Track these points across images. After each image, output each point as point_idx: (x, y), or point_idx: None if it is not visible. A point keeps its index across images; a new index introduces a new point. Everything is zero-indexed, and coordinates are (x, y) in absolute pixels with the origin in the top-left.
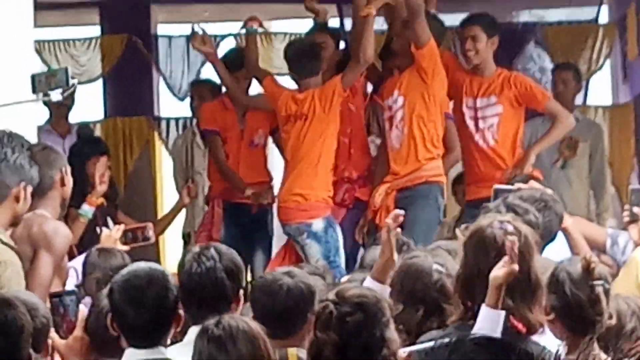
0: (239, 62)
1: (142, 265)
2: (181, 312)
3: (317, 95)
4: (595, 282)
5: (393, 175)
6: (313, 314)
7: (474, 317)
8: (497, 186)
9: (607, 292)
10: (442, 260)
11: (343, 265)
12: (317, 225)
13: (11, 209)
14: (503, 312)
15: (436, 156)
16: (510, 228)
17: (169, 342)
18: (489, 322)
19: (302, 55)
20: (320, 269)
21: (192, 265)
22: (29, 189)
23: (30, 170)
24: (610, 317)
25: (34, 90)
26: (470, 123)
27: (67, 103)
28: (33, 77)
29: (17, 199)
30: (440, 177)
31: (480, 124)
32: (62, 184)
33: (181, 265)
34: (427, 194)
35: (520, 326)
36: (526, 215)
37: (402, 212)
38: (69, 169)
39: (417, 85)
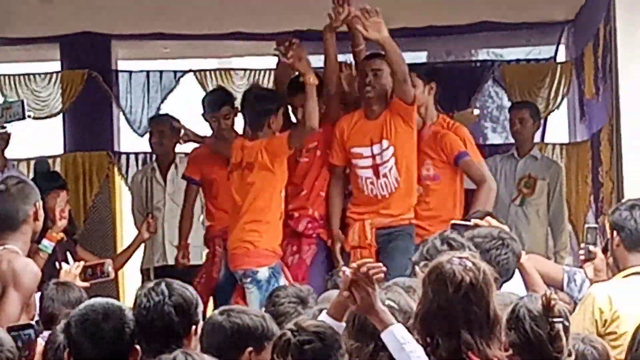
0: (219, 102)
1: (98, 300)
2: (137, 346)
3: (264, 146)
4: (555, 320)
5: (379, 216)
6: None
7: (433, 352)
8: (454, 222)
9: (566, 330)
10: (396, 297)
11: None
12: (263, 273)
13: (32, 228)
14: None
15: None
16: (469, 264)
17: None
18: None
19: (254, 107)
20: (305, 291)
21: (142, 300)
22: (41, 204)
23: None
24: (570, 354)
25: None
26: None
27: (5, 138)
28: None
29: (35, 218)
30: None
31: None
32: (36, 218)
33: (134, 299)
34: (409, 232)
35: None
36: (462, 250)
37: (384, 268)
38: (41, 203)
39: (405, 134)
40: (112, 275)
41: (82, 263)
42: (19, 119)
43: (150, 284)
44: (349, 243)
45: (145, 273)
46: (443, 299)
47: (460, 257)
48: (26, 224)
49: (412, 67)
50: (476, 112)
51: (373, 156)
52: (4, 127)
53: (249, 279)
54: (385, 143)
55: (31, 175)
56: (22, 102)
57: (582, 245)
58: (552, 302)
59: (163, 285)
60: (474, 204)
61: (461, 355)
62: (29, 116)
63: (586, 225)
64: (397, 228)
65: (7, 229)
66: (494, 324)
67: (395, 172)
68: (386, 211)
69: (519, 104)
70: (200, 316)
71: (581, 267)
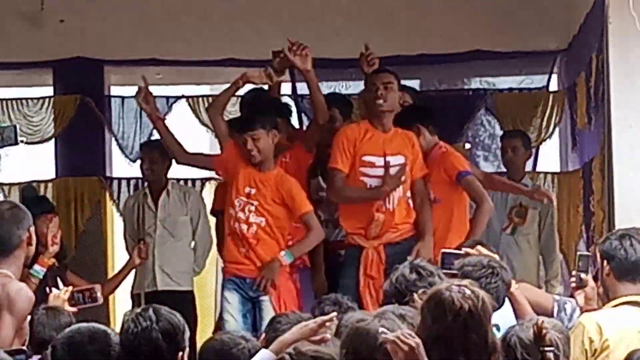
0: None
1: (84, 324)
2: None
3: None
4: (547, 349)
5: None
6: None
7: None
8: (444, 250)
9: (557, 358)
10: (390, 324)
11: None
12: None
13: (25, 252)
14: None
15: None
16: (468, 292)
17: None
18: None
19: None
20: (305, 318)
21: (130, 326)
22: (34, 229)
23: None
24: None
25: None
26: None
27: None
28: None
29: (29, 243)
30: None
31: None
32: (29, 243)
33: (121, 324)
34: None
35: None
36: (430, 277)
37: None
38: (34, 228)
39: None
40: (101, 300)
41: (70, 288)
42: (11, 144)
43: (138, 310)
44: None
45: (135, 298)
46: (442, 326)
47: (459, 285)
48: (20, 249)
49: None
50: (467, 146)
51: (386, 167)
52: None
53: None
54: (401, 158)
55: (18, 200)
56: (15, 127)
57: (574, 272)
58: (544, 331)
59: (151, 311)
60: (475, 224)
61: None
62: (21, 141)
63: (578, 253)
64: (404, 243)
65: (1, 253)
66: (492, 352)
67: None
68: (393, 225)
69: (510, 133)
70: (187, 342)
71: (572, 295)
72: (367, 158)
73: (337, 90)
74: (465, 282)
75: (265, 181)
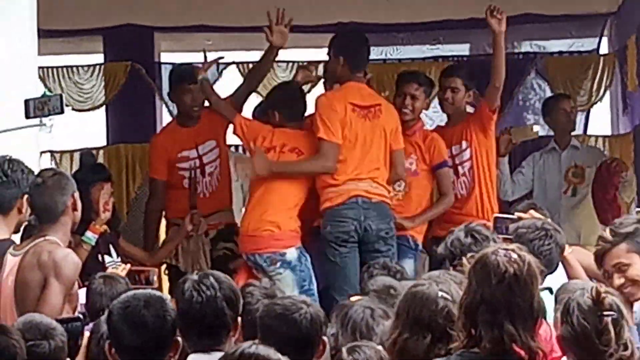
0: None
1: (140, 290)
2: (179, 338)
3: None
4: (606, 313)
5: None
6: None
7: (477, 344)
8: (497, 215)
9: (617, 323)
10: (447, 287)
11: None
12: (291, 254)
13: (16, 218)
14: None
15: None
16: (514, 256)
17: None
18: None
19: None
20: (268, 288)
21: (193, 294)
22: (26, 199)
23: (28, 183)
24: (626, 348)
25: (27, 115)
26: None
27: None
28: (27, 102)
29: (19, 210)
30: None
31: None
32: (74, 208)
33: (181, 293)
34: None
35: (522, 353)
36: (485, 242)
37: None
38: (78, 194)
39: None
40: (156, 284)
41: (128, 266)
42: (57, 113)
43: (195, 277)
44: None
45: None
46: (487, 290)
47: (506, 249)
48: (65, 215)
49: (456, 59)
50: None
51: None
52: (42, 121)
53: (277, 264)
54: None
55: (76, 167)
56: (61, 96)
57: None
58: (602, 295)
59: (212, 279)
60: (433, 207)
61: (504, 346)
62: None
63: (636, 209)
64: None
65: (47, 220)
66: (538, 316)
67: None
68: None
69: (558, 96)
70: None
71: None
72: None
73: (387, 55)
74: (513, 246)
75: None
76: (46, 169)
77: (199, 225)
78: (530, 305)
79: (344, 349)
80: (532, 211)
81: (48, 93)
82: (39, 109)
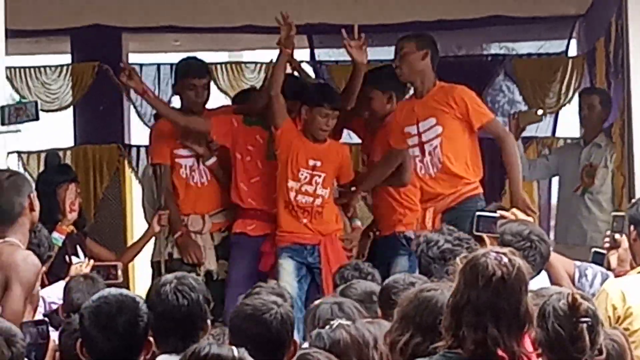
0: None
1: (112, 291)
2: (151, 339)
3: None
4: (582, 320)
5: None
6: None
7: (460, 345)
8: (479, 213)
9: (592, 330)
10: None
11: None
12: None
13: (29, 219)
14: None
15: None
16: (505, 260)
17: None
18: None
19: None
20: (277, 288)
21: (177, 297)
22: (34, 194)
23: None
24: (601, 352)
25: (3, 122)
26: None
27: None
28: (2, 108)
29: (31, 209)
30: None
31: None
32: (31, 209)
33: (159, 295)
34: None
35: (506, 357)
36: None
37: None
38: (35, 194)
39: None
40: (121, 279)
41: (91, 262)
42: (32, 120)
43: (173, 279)
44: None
45: (155, 266)
46: (473, 291)
47: (497, 252)
48: (23, 216)
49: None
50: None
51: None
52: (17, 127)
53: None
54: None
55: (42, 168)
56: (36, 103)
57: (608, 233)
58: (578, 301)
59: (191, 281)
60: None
61: (488, 349)
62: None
63: (612, 214)
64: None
65: (5, 222)
66: (524, 321)
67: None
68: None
69: (588, 90)
70: None
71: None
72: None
73: None
74: (506, 250)
75: (328, 153)
76: (2, 170)
77: (166, 225)
78: (516, 309)
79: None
80: (514, 210)
81: (23, 100)
82: (14, 115)
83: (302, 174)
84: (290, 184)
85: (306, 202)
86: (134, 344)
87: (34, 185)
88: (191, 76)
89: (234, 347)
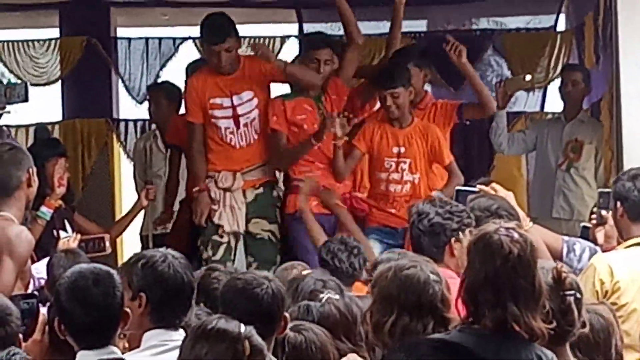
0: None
1: (85, 265)
2: (128, 310)
3: None
4: (567, 293)
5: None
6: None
7: (479, 322)
8: (458, 188)
9: (578, 302)
10: (431, 269)
11: None
12: None
13: (26, 194)
14: None
15: None
16: (516, 236)
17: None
18: None
19: None
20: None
21: (179, 270)
22: (34, 170)
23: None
24: (584, 325)
25: None
26: None
27: None
28: None
29: (29, 185)
30: None
31: None
32: (29, 184)
33: (161, 268)
34: None
35: (523, 333)
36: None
37: None
38: (34, 169)
39: None
40: (109, 250)
41: (79, 235)
42: (21, 101)
43: (173, 255)
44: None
45: (144, 239)
46: (490, 270)
47: (507, 228)
48: (20, 190)
49: (411, 35)
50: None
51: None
52: (4, 108)
53: None
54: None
55: (31, 141)
56: (26, 84)
57: (594, 209)
58: (563, 275)
59: (178, 256)
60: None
61: (507, 326)
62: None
63: (599, 190)
64: None
65: (1, 195)
66: (539, 296)
67: None
68: None
69: (571, 66)
70: None
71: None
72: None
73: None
74: (513, 224)
75: (411, 137)
76: (2, 143)
77: (154, 200)
78: (532, 285)
79: (288, 328)
80: (494, 185)
81: (13, 81)
82: (4, 96)
83: (387, 164)
84: (379, 175)
85: (395, 191)
86: (112, 315)
87: None
88: (213, 43)
89: (241, 324)
